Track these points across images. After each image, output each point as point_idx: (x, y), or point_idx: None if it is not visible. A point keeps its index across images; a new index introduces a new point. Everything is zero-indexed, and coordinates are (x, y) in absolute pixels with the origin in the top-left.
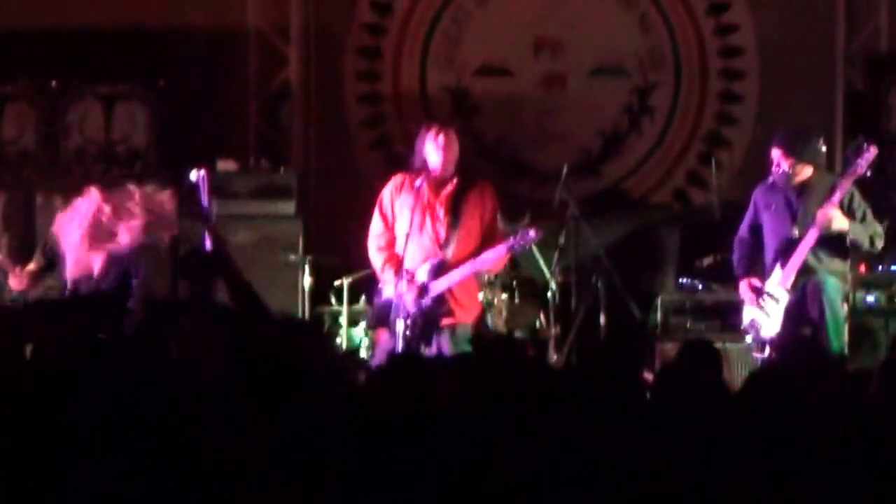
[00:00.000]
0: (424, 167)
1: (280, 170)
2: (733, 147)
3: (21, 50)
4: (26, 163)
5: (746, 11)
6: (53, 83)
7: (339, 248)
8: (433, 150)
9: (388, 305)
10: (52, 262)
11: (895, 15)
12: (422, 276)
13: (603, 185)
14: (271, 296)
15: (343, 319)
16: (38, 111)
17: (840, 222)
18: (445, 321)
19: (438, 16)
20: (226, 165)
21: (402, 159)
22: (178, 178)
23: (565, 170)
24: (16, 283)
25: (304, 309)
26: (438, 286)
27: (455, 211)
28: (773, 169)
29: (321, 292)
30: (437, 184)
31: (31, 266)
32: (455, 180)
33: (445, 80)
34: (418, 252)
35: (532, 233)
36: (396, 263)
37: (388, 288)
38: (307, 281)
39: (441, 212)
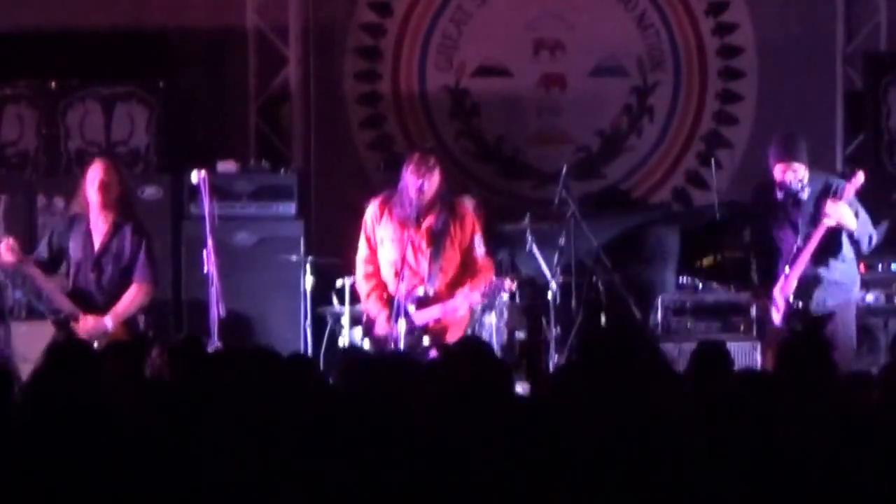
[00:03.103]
0: (407, 194)
1: (280, 171)
2: (733, 147)
3: (21, 51)
4: (27, 164)
5: (746, 11)
6: (53, 84)
7: (340, 249)
8: (413, 179)
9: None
10: (57, 256)
11: (895, 14)
12: (409, 308)
13: (603, 185)
14: (273, 297)
15: (345, 320)
16: (38, 112)
17: (849, 218)
18: (436, 334)
19: (438, 16)
20: (226, 166)
21: (401, 160)
22: (179, 179)
23: (565, 170)
24: (6, 252)
25: (305, 310)
26: (420, 319)
27: (437, 243)
28: (793, 181)
29: (322, 293)
30: (418, 215)
31: (32, 256)
32: (436, 210)
33: (445, 80)
34: (402, 284)
35: (507, 284)
36: (380, 296)
37: (371, 310)
38: (308, 282)
39: (423, 244)
